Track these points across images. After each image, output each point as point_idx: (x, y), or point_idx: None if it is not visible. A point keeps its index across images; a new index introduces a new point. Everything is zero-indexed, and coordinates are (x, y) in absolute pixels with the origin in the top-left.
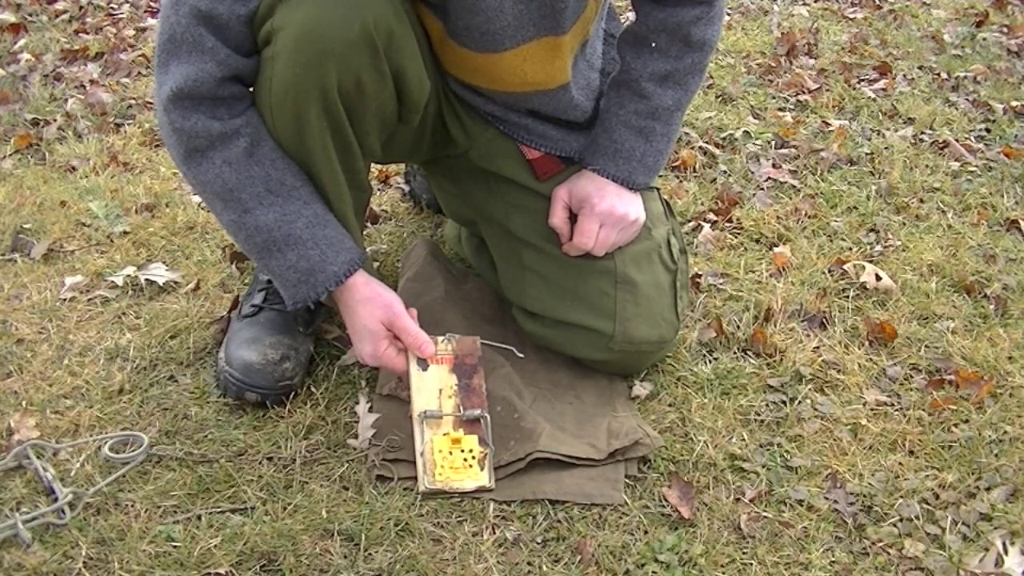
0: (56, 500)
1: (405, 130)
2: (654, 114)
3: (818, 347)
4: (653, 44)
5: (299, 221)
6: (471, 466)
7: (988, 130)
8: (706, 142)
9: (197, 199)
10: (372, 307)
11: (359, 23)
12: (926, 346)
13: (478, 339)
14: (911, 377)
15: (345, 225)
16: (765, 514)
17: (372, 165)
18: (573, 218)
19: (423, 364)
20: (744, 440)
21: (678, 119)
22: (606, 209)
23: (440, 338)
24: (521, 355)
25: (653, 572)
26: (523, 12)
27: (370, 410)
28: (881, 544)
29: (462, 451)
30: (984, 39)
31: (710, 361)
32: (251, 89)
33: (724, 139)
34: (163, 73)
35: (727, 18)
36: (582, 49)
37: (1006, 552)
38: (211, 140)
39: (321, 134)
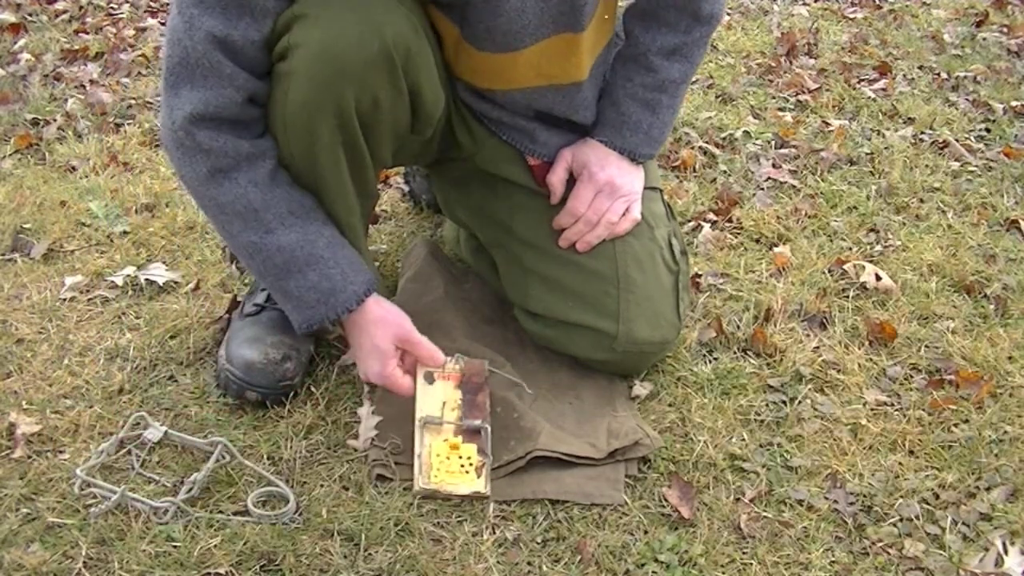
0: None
1: (416, 139)
2: (661, 87)
3: (818, 347)
4: (662, 19)
5: (320, 241)
6: (467, 472)
7: (988, 130)
8: (706, 142)
9: None
10: (385, 327)
11: (378, 42)
12: (926, 346)
13: (486, 363)
14: (911, 377)
15: (353, 237)
16: (765, 514)
17: None
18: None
19: (429, 378)
20: (744, 440)
21: (683, 91)
22: (605, 179)
23: (449, 359)
24: (531, 392)
25: (653, 572)
26: (544, 10)
27: (373, 412)
28: (881, 544)
29: (460, 457)
30: (984, 39)
31: (710, 361)
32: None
33: (724, 139)
34: (174, 96)
35: (727, 18)
36: (607, 49)
37: (1006, 552)
38: (238, 160)
39: (334, 149)
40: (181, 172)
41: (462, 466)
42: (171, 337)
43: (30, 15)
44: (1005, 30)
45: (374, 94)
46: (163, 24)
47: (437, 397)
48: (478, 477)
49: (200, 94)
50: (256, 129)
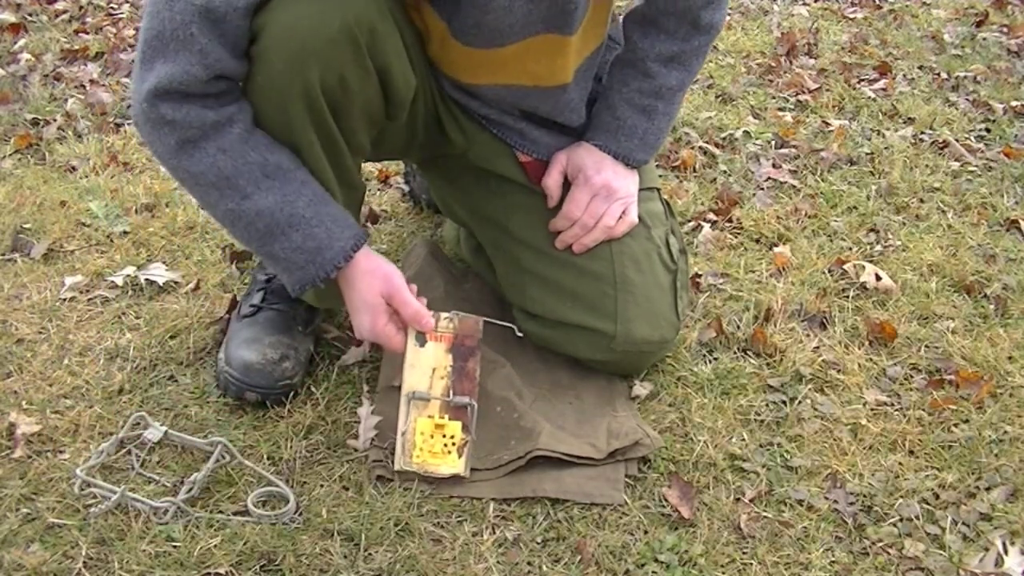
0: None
1: (395, 127)
2: (658, 93)
3: (818, 347)
4: (661, 26)
5: (300, 201)
6: (449, 452)
7: (988, 130)
8: (706, 142)
9: None
10: (372, 279)
11: (340, 20)
12: (926, 346)
13: (481, 320)
14: (911, 377)
15: None
16: (765, 514)
17: (372, 164)
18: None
19: (421, 339)
20: (744, 440)
21: (680, 98)
22: (601, 182)
23: (444, 315)
24: (521, 334)
25: (653, 572)
26: (532, 10)
27: (373, 412)
28: (881, 544)
29: (443, 436)
30: (984, 39)
31: (710, 361)
32: (239, 83)
33: (724, 139)
34: (147, 70)
35: (727, 18)
36: (595, 54)
37: (1006, 552)
38: (204, 129)
39: (306, 131)
40: (152, 146)
41: (445, 446)
42: (171, 337)
43: (30, 15)
44: (1005, 30)
45: (339, 73)
46: None
47: (427, 363)
48: (459, 457)
49: (167, 68)
50: (224, 99)
